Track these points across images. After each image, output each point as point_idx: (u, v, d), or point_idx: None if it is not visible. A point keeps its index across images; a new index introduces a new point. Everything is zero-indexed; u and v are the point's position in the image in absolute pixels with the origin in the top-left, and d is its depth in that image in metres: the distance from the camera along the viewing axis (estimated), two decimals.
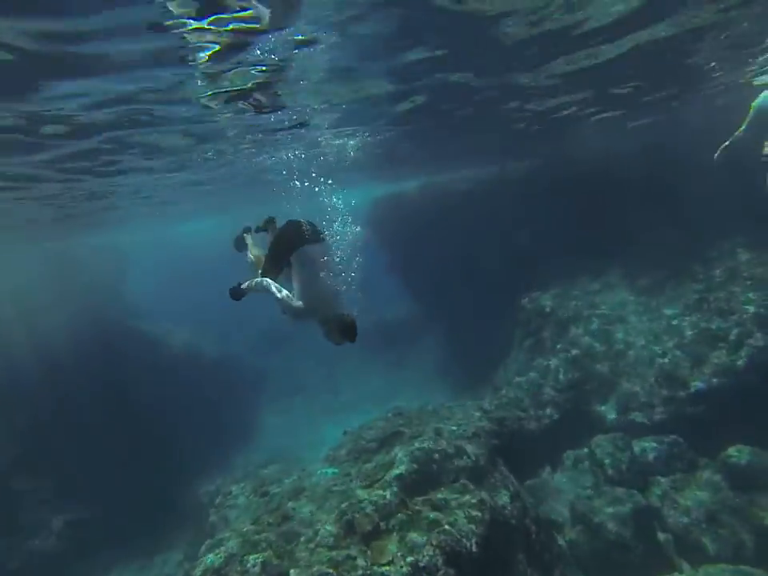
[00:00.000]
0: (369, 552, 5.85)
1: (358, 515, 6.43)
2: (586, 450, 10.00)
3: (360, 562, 5.65)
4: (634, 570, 7.56)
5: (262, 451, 16.96)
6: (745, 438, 9.01)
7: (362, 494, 7.04)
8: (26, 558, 10.95)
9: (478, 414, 10.32)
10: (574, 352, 12.56)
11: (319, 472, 9.19)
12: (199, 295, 21.95)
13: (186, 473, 14.23)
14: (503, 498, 7.68)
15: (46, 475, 11.96)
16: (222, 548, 6.30)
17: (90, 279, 14.78)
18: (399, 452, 8.04)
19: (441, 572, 5.72)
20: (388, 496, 6.75)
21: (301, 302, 4.25)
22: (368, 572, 5.49)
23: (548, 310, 14.40)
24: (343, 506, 6.74)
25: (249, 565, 5.96)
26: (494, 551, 6.42)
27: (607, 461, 9.27)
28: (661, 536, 8.15)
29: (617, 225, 13.26)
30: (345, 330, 4.09)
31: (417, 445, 8.18)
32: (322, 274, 4.30)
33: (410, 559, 5.74)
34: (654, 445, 9.41)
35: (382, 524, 6.36)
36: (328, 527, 6.40)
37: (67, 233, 15.05)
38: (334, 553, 5.93)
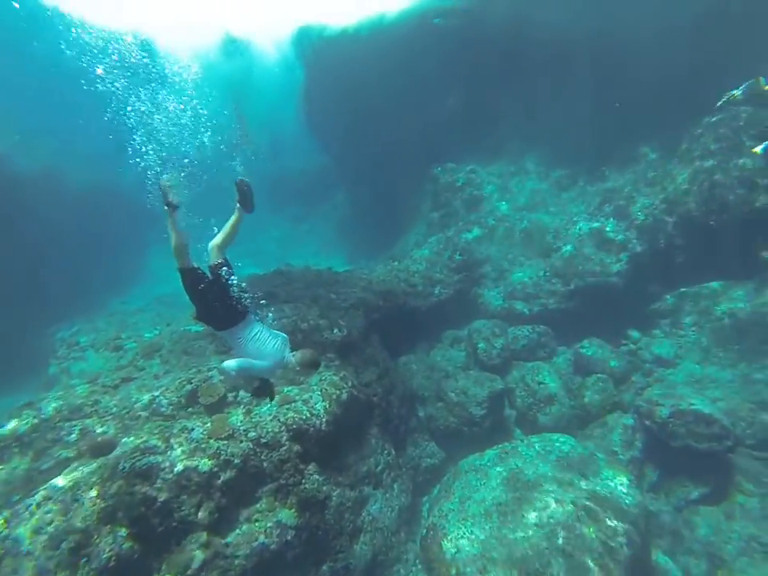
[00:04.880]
0: (208, 425, 5.39)
1: (203, 384, 5.86)
2: (466, 331, 10.18)
3: (195, 434, 5.18)
4: (477, 440, 8.14)
5: (140, 297, 15.80)
6: (599, 332, 9.59)
7: (215, 360, 6.44)
8: None
9: (362, 284, 9.85)
10: (477, 233, 12.28)
11: (183, 328, 8.43)
12: (69, 108, 17.88)
13: (48, 313, 12.82)
14: (370, 375, 7.57)
15: None
16: (33, 412, 5.49)
17: None
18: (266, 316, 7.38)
19: (284, 448, 5.47)
20: None
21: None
22: (202, 445, 5.05)
23: (459, 184, 13.68)
24: (191, 372, 6.12)
25: (63, 432, 5.28)
26: (347, 427, 6.33)
27: (481, 344, 9.49)
28: (508, 412, 8.80)
29: (547, 104, 12.08)
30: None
31: (286, 311, 7.58)
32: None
33: (252, 434, 5.39)
34: (526, 333, 9.76)
35: (230, 396, 5.89)
36: (168, 394, 5.79)
37: None
38: (168, 423, 5.40)
